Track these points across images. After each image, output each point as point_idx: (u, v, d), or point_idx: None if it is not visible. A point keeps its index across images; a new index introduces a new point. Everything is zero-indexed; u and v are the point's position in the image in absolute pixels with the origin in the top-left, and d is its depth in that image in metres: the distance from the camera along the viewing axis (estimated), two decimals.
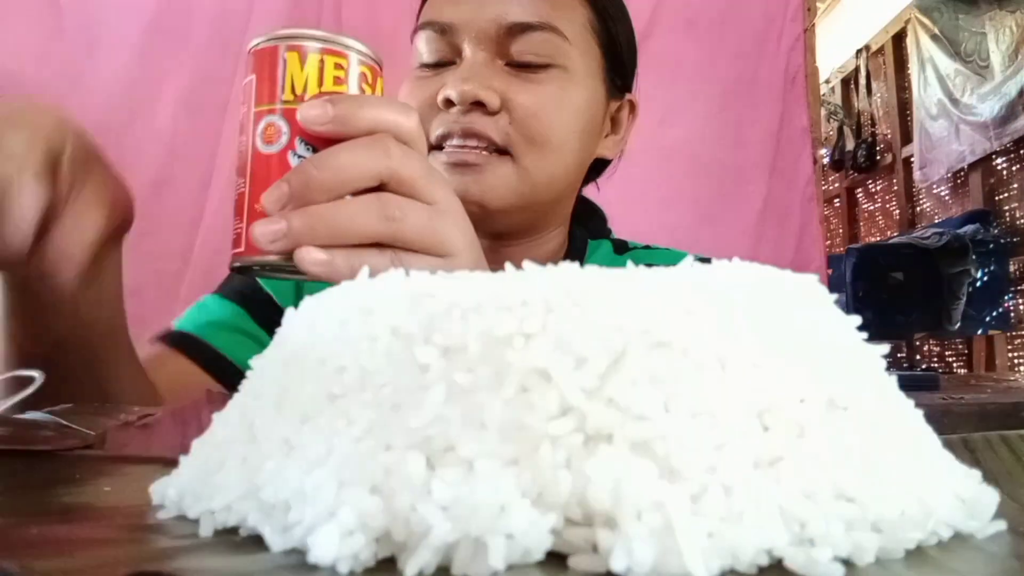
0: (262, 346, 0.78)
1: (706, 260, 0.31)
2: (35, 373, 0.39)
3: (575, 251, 0.82)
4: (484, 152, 0.68)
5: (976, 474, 0.27)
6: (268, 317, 0.73)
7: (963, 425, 0.34)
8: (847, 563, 0.21)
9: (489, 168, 0.67)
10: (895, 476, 0.24)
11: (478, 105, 0.68)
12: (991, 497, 0.25)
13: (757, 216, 1.88)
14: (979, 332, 3.61)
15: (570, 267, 0.28)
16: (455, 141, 0.68)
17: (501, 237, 0.74)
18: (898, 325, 3.47)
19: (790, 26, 1.86)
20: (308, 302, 0.32)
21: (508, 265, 0.28)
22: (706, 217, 1.87)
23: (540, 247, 0.77)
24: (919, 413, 0.28)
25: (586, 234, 0.85)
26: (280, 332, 0.32)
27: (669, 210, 1.87)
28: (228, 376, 0.68)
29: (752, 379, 0.24)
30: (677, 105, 1.85)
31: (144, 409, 0.49)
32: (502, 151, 0.68)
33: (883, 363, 0.29)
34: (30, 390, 0.39)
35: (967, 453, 0.32)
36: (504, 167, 0.68)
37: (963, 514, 0.24)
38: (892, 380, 0.28)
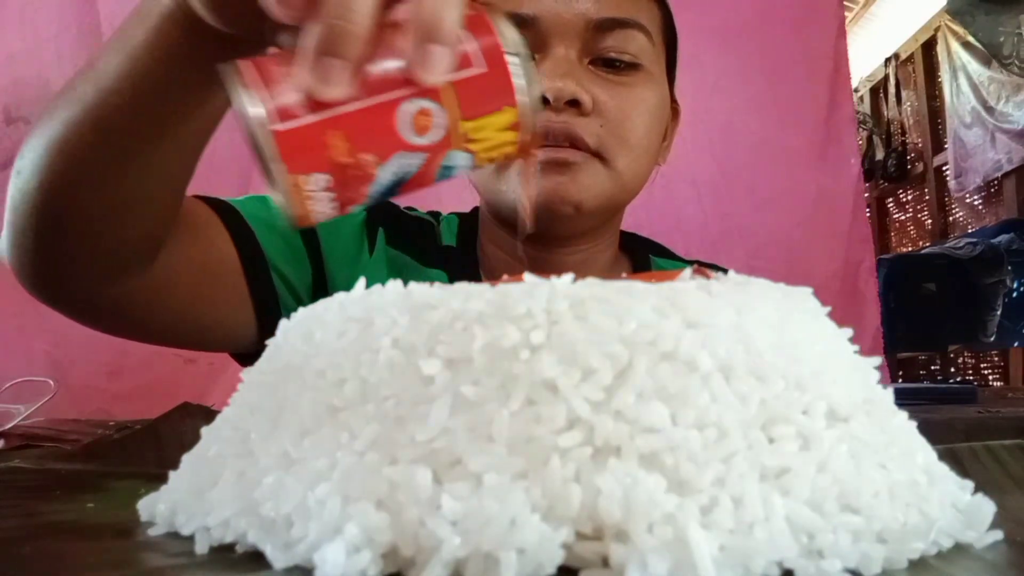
0: (293, 253, 0.70)
1: (723, 271, 0.31)
2: (49, 380, 0.38)
3: (639, 266, 0.80)
4: (579, 151, 0.65)
5: (968, 484, 0.28)
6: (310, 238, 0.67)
7: (1001, 439, 0.34)
8: (854, 574, 0.22)
9: (585, 168, 0.66)
10: (897, 487, 0.24)
11: (571, 105, 0.65)
12: (988, 507, 0.25)
13: (811, 206, 1.73)
14: (1015, 344, 3.41)
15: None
16: (549, 142, 0.65)
17: (564, 244, 0.72)
18: (932, 337, 3.32)
19: (836, 10, 1.80)
20: (302, 313, 0.31)
21: (502, 279, 0.28)
22: (760, 204, 1.71)
23: (597, 257, 0.76)
24: (913, 424, 0.29)
25: (643, 248, 0.83)
26: (273, 343, 0.31)
27: (722, 196, 1.70)
28: (253, 263, 0.62)
29: (756, 391, 0.24)
30: (726, 77, 1.70)
31: (121, 422, 0.48)
32: (593, 153, 0.66)
33: (877, 375, 0.29)
34: (46, 399, 0.37)
35: (954, 463, 0.32)
36: (596, 167, 0.66)
37: (962, 524, 0.25)
38: (889, 392, 0.28)
